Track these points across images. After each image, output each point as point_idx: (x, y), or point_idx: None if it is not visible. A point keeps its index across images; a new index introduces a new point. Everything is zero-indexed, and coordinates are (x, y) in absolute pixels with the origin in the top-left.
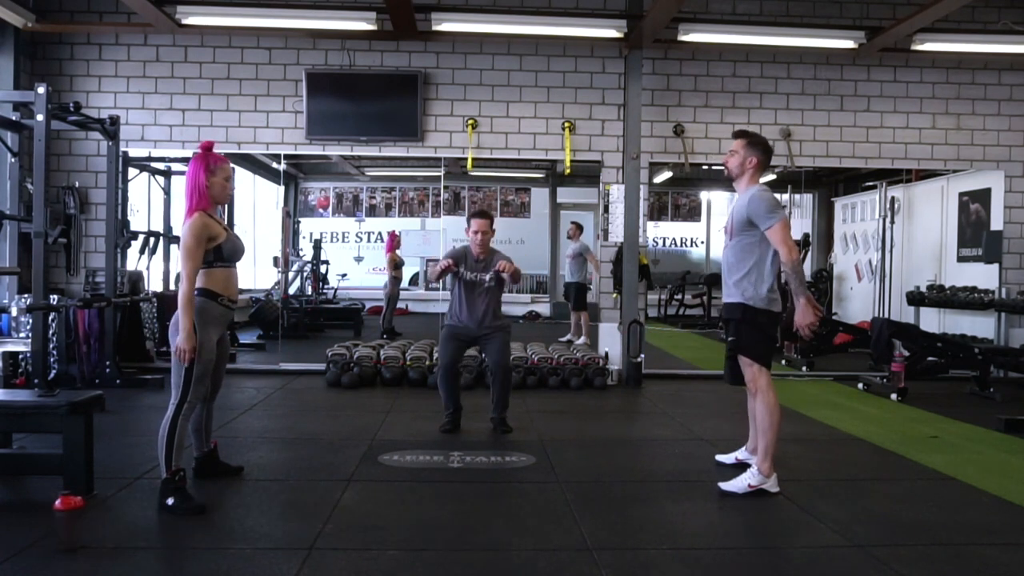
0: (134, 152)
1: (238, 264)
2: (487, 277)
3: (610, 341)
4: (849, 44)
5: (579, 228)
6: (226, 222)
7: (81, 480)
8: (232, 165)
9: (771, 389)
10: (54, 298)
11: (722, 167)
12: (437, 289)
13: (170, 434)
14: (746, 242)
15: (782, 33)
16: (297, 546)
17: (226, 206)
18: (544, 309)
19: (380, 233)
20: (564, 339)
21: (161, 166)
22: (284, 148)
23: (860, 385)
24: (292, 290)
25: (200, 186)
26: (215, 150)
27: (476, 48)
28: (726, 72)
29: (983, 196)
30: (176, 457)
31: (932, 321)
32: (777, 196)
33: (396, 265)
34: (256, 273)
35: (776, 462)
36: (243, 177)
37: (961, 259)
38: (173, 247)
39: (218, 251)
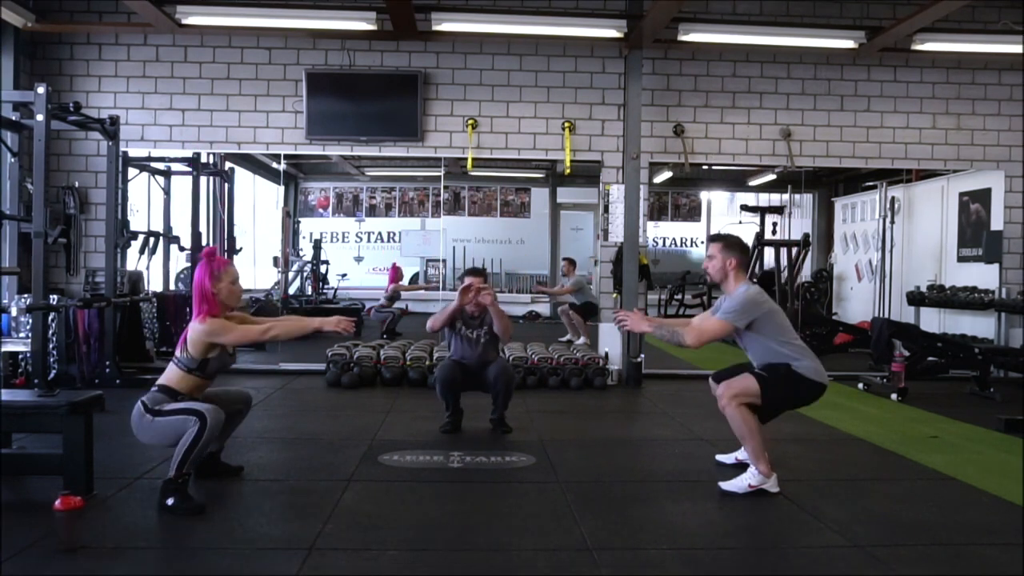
0: (134, 152)
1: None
2: (482, 332)
3: (610, 341)
4: (849, 44)
5: (572, 263)
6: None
7: (81, 480)
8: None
9: (742, 407)
10: (54, 298)
11: (723, 167)
12: (437, 288)
13: (192, 444)
14: (752, 338)
15: (782, 33)
16: (297, 546)
17: (227, 207)
18: (544, 309)
19: (380, 233)
20: (564, 339)
21: (161, 166)
22: (284, 148)
23: (860, 385)
24: (292, 290)
25: (207, 293)
26: (213, 151)
27: (476, 48)
28: (726, 72)
29: (983, 196)
30: (191, 464)
31: (932, 321)
32: (777, 196)
33: (392, 299)
34: (256, 273)
35: (776, 462)
36: (243, 177)
37: (961, 259)
38: (173, 247)
39: (204, 363)
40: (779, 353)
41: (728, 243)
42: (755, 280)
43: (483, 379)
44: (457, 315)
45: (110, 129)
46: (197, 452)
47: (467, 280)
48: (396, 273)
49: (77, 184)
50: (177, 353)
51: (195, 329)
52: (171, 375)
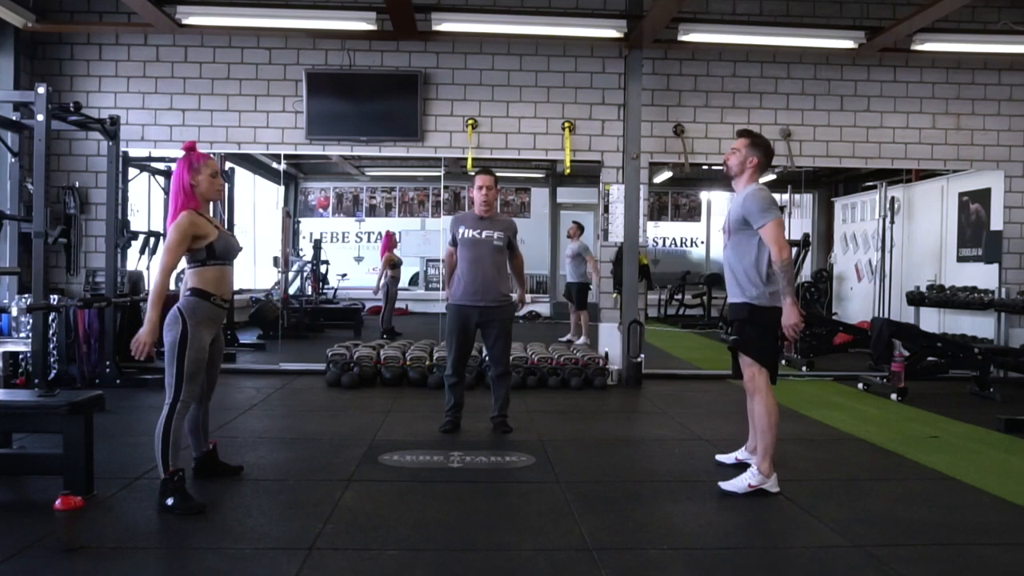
0: (134, 152)
1: (234, 262)
2: (494, 235)
3: (610, 341)
4: (849, 44)
5: (579, 228)
6: (226, 224)
7: (81, 480)
8: (231, 165)
9: (770, 391)
10: (54, 298)
11: (722, 167)
12: (437, 289)
13: (165, 434)
14: (744, 240)
15: (782, 33)
16: (297, 546)
17: (226, 207)
18: (544, 309)
19: (380, 233)
20: (564, 339)
21: (161, 166)
22: (284, 148)
23: (860, 385)
24: (292, 290)
25: (184, 185)
26: (214, 151)
27: (476, 48)
28: (726, 72)
29: (983, 196)
30: (173, 457)
31: (932, 321)
32: (776, 196)
33: (393, 264)
34: (256, 273)
35: (776, 462)
36: (243, 177)
37: (961, 259)
38: None
39: (210, 249)
40: (748, 271)
41: (755, 141)
42: None
43: (484, 336)
44: (460, 224)
45: (110, 129)
46: (173, 443)
47: (477, 179)
48: (390, 240)
49: (77, 184)
50: (185, 263)
51: (178, 226)
52: (192, 278)
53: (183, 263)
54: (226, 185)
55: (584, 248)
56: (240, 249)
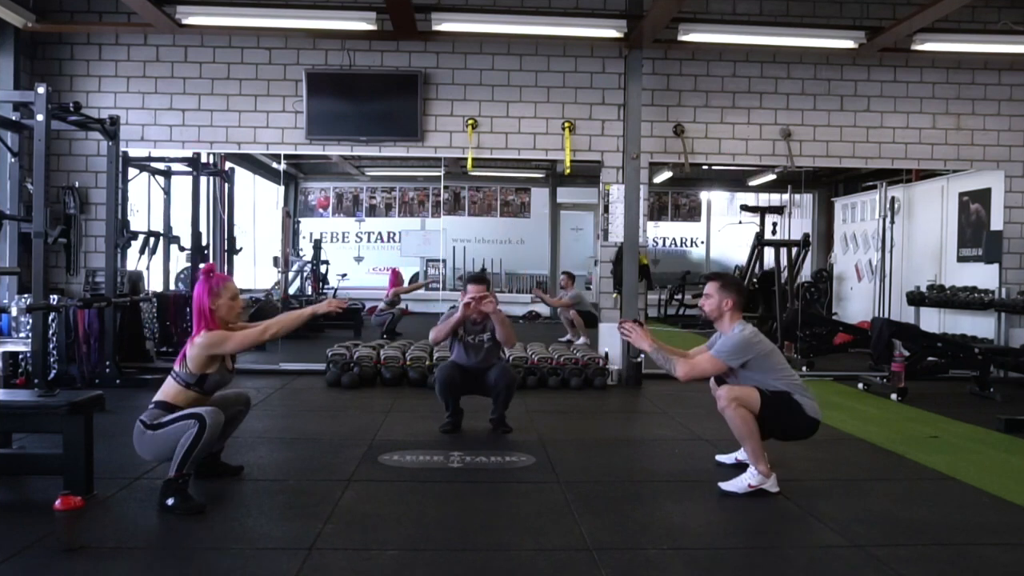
0: (134, 152)
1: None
2: (485, 337)
3: (610, 341)
4: (849, 44)
5: (571, 278)
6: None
7: (81, 480)
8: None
9: (742, 408)
10: (54, 298)
11: (723, 167)
12: (437, 289)
13: (192, 445)
14: (749, 375)
15: (782, 33)
16: (297, 546)
17: (226, 207)
18: (544, 309)
19: (380, 233)
20: (564, 339)
21: (161, 166)
22: (284, 148)
23: (860, 385)
24: (292, 290)
25: (205, 310)
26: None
27: (476, 48)
28: (726, 72)
29: (983, 196)
30: (191, 465)
31: (932, 321)
32: (776, 196)
33: (392, 303)
34: (256, 273)
35: (776, 462)
36: (243, 177)
37: (961, 259)
38: (173, 247)
39: (203, 379)
40: (777, 387)
41: (725, 283)
42: (755, 281)
43: (484, 382)
44: (460, 325)
45: (110, 129)
46: (198, 452)
47: (469, 289)
48: (396, 278)
49: (77, 184)
50: (176, 368)
51: (194, 344)
52: (169, 390)
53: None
54: (226, 186)
55: (582, 293)
56: (225, 385)
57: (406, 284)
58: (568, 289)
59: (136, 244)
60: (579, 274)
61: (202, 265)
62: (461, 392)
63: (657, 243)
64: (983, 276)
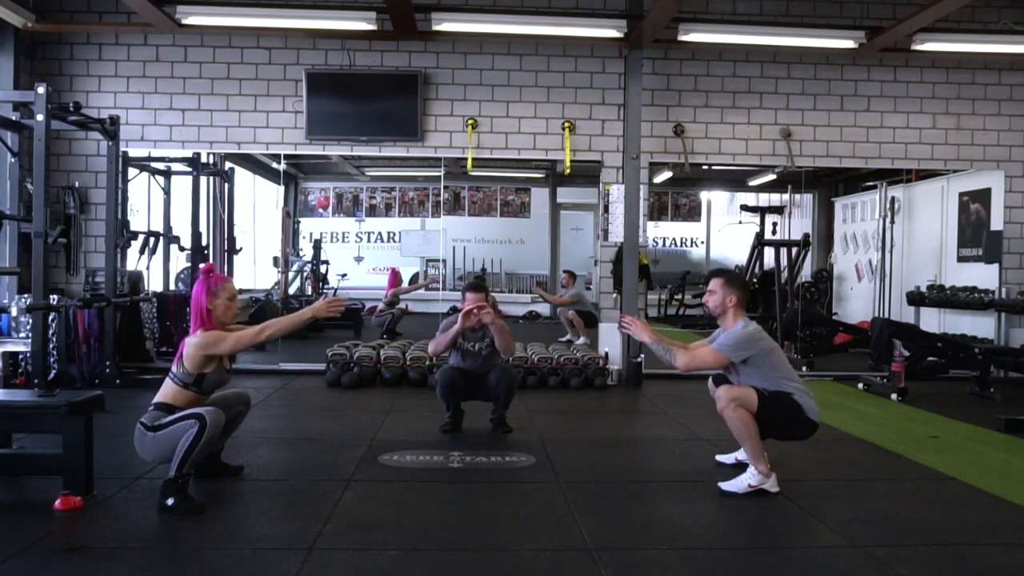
0: (134, 152)
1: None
2: (484, 345)
3: (610, 341)
4: (849, 44)
5: (572, 276)
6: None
7: (81, 480)
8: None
9: (741, 409)
10: (54, 298)
11: (723, 167)
12: (437, 289)
13: (192, 445)
14: (752, 371)
15: (782, 33)
16: (297, 546)
17: (226, 207)
18: (544, 309)
19: (380, 233)
20: (564, 339)
21: (161, 166)
22: (284, 148)
23: (860, 385)
24: (292, 290)
25: (202, 310)
26: (214, 151)
27: (476, 48)
28: (726, 72)
29: (983, 196)
30: (191, 465)
31: (932, 321)
32: (776, 196)
33: (392, 304)
34: (256, 273)
35: (776, 462)
36: (243, 177)
37: (961, 259)
38: (173, 247)
39: (201, 379)
40: (777, 386)
41: (729, 279)
42: (755, 281)
43: (484, 384)
44: (459, 335)
45: (110, 129)
46: (198, 452)
47: (468, 298)
48: (395, 278)
49: (77, 184)
50: (173, 369)
51: (190, 343)
52: (167, 391)
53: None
54: (226, 186)
55: (583, 292)
56: (224, 385)
57: (405, 284)
58: (569, 287)
59: (136, 244)
60: (580, 274)
61: (202, 265)
62: (462, 395)
63: (657, 243)
64: (983, 276)
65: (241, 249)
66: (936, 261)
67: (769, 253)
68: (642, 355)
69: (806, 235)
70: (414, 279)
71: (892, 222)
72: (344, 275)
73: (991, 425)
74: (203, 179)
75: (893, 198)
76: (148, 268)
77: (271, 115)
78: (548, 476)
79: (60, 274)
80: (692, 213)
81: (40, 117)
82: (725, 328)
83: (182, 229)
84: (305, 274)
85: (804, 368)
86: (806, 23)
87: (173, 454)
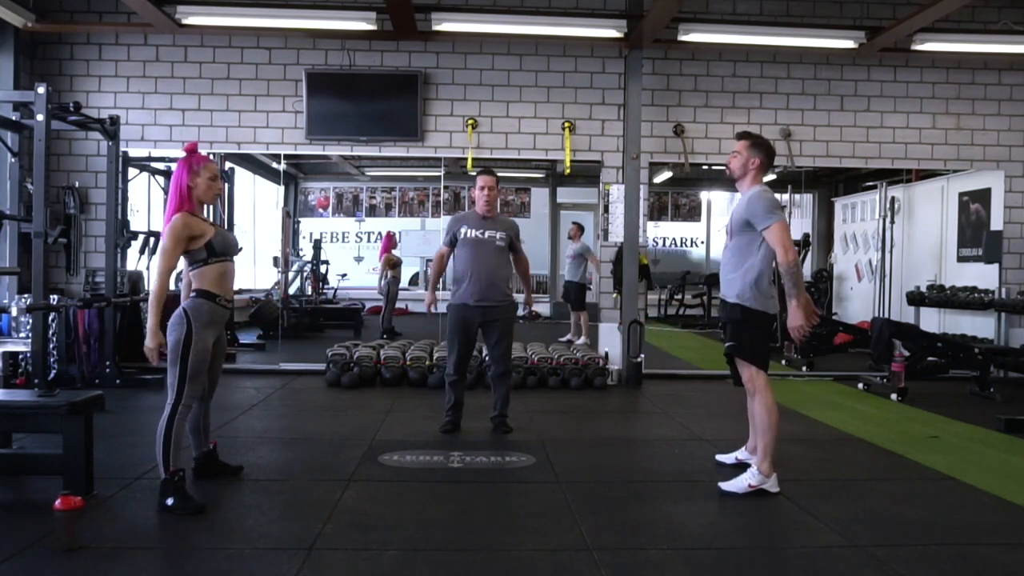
0: (134, 152)
1: (234, 260)
2: (497, 235)
3: (610, 341)
4: (849, 44)
5: (580, 229)
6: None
7: (81, 480)
8: (231, 165)
9: (769, 389)
10: (54, 298)
11: (722, 167)
12: (438, 289)
13: (167, 434)
14: (744, 242)
15: (782, 33)
16: (297, 546)
17: (226, 207)
18: (544, 309)
19: (380, 233)
20: (564, 339)
21: (161, 166)
22: (284, 148)
23: (860, 385)
24: (292, 290)
25: (182, 187)
26: (213, 151)
27: (476, 48)
28: (726, 72)
29: (983, 196)
30: (175, 457)
31: (932, 321)
32: (777, 196)
33: (393, 264)
34: (256, 273)
35: (776, 462)
36: (243, 177)
37: (961, 259)
38: None
39: (209, 247)
40: (746, 274)
41: (755, 142)
42: None
43: (484, 338)
44: (460, 224)
45: (110, 129)
46: (175, 443)
47: (480, 180)
48: (389, 242)
49: (77, 184)
50: (184, 267)
51: (166, 233)
52: (196, 279)
53: (183, 264)
54: (225, 185)
55: (586, 248)
56: (239, 245)
57: (405, 284)
58: (576, 240)
59: (136, 244)
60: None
61: (185, 143)
62: (472, 346)
63: (657, 243)
64: (983, 276)
65: (241, 249)
66: (936, 261)
67: None
68: (642, 355)
69: (806, 235)
70: (414, 279)
71: (892, 222)
72: (344, 275)
73: (991, 425)
74: None
75: (893, 198)
76: (148, 268)
77: (271, 115)
78: (548, 476)
79: (60, 274)
80: (692, 213)
81: (40, 117)
82: (742, 191)
83: None
84: (305, 274)
85: (804, 368)
86: (806, 23)
87: (169, 357)
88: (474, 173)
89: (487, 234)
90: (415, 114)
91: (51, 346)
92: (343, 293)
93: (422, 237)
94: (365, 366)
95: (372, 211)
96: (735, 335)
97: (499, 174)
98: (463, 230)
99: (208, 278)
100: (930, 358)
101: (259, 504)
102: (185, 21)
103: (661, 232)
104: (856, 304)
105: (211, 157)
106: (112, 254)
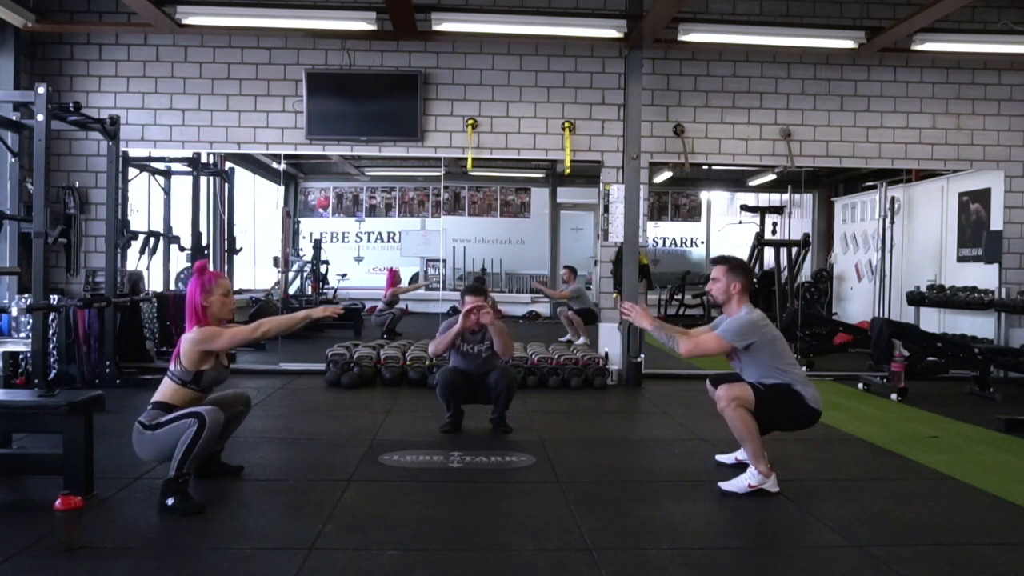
0: (134, 152)
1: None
2: (483, 347)
3: (610, 341)
4: (849, 44)
5: (572, 272)
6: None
7: (81, 480)
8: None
9: (740, 405)
10: (54, 298)
11: (722, 167)
12: (437, 289)
13: (191, 443)
14: (751, 358)
15: (782, 33)
16: (297, 546)
17: (227, 207)
18: (544, 309)
19: (380, 233)
20: (564, 339)
21: (161, 166)
22: (284, 148)
23: (860, 385)
24: (292, 290)
25: (197, 307)
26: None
27: (476, 48)
28: (726, 72)
29: (983, 196)
30: (190, 464)
31: (932, 321)
32: (776, 196)
33: (391, 303)
34: (256, 273)
35: (776, 462)
36: (243, 177)
37: (961, 259)
38: (173, 247)
39: (199, 376)
40: (777, 376)
41: (732, 266)
42: (756, 280)
43: (485, 385)
44: (459, 336)
45: (110, 129)
46: (197, 451)
47: (467, 300)
48: (394, 278)
49: (77, 184)
50: (171, 367)
51: (186, 340)
52: (166, 390)
53: (167, 382)
54: (226, 186)
55: (583, 287)
56: (222, 383)
57: (404, 284)
58: (570, 283)
59: (136, 244)
60: (580, 274)
61: (195, 263)
62: (463, 397)
63: (657, 243)
64: (983, 276)
65: (241, 249)
66: (936, 261)
67: (769, 253)
68: (642, 355)
69: (806, 235)
70: (414, 279)
71: (892, 222)
72: (344, 275)
73: (991, 425)
74: (203, 179)
75: (893, 198)
76: (148, 268)
77: (271, 115)
78: (548, 476)
79: (60, 274)
80: (692, 213)
81: (40, 117)
82: (729, 315)
83: (182, 229)
84: (305, 274)
85: (804, 368)
86: (806, 23)
87: (172, 453)
88: (471, 183)
89: (475, 348)
90: (415, 114)
91: (51, 346)
92: (343, 293)
93: (422, 237)
94: (365, 366)
95: (372, 211)
96: (770, 386)
97: (499, 174)
98: (458, 341)
99: (177, 397)
100: (930, 358)
101: (259, 504)
102: (185, 21)
103: (661, 232)
104: (856, 304)
105: (223, 276)
106: (112, 254)
